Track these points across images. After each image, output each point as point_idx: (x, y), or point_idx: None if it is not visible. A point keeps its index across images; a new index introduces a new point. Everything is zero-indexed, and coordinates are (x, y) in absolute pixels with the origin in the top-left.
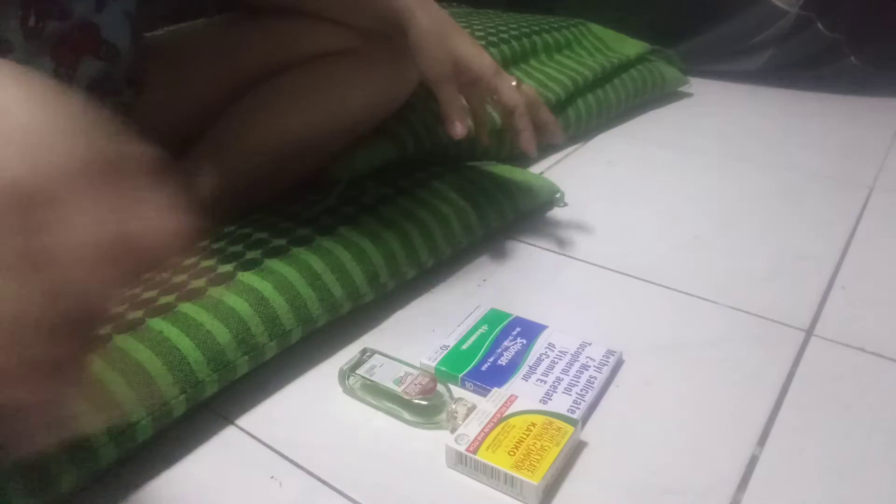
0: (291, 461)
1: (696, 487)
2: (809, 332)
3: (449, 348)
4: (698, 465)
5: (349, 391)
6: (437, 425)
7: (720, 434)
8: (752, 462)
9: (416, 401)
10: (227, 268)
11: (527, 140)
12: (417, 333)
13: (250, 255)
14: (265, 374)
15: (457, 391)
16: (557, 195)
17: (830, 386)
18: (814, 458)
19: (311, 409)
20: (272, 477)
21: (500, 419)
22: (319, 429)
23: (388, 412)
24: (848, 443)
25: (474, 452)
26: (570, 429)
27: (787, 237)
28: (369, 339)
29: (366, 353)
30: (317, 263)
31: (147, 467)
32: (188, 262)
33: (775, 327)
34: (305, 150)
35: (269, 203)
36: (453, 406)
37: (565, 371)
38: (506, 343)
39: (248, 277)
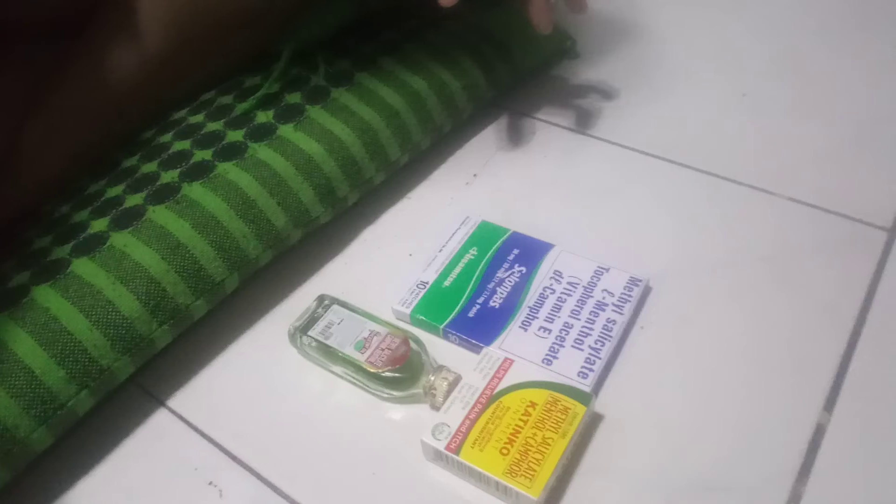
0: (234, 458)
1: (746, 475)
2: (894, 233)
3: (428, 286)
4: (749, 442)
5: (303, 352)
6: (412, 399)
7: (779, 392)
8: (818, 436)
9: (384, 373)
10: (137, 199)
11: (538, 11)
12: (390, 260)
13: (166, 177)
14: (198, 337)
15: (438, 346)
16: (568, 43)
17: None
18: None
19: (257, 379)
20: (211, 483)
21: (490, 398)
22: (268, 408)
23: (352, 382)
24: None
25: (456, 452)
26: (581, 409)
27: (869, 95)
28: (329, 272)
29: (322, 304)
30: (250, 186)
31: (59, 476)
32: (93, 188)
33: (850, 227)
34: (238, 22)
35: (197, 93)
36: (431, 378)
37: (575, 313)
38: (500, 274)
39: (160, 215)
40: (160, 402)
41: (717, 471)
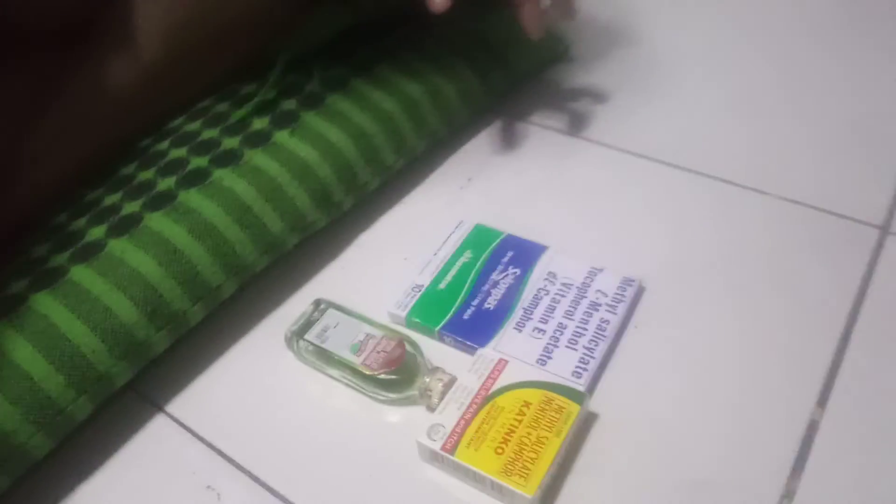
0: (232, 462)
1: (740, 472)
2: (885, 230)
3: (423, 289)
4: (743, 439)
5: (299, 356)
6: (408, 401)
7: (773, 389)
8: (811, 431)
9: (380, 376)
10: (134, 206)
11: (529, 17)
12: (385, 264)
13: (163, 185)
14: (196, 342)
15: (434, 348)
16: (562, 47)
17: None
18: (890, 420)
19: (254, 383)
20: (209, 487)
21: (485, 398)
22: (265, 412)
23: (349, 385)
24: None
25: (451, 452)
26: (575, 408)
27: (859, 94)
28: (325, 277)
29: (318, 308)
30: (246, 192)
31: (58, 482)
32: (91, 196)
33: (842, 225)
34: (235, 32)
35: (195, 102)
36: (426, 379)
37: (569, 314)
38: (494, 276)
39: (157, 221)
40: (158, 407)
41: (712, 468)
